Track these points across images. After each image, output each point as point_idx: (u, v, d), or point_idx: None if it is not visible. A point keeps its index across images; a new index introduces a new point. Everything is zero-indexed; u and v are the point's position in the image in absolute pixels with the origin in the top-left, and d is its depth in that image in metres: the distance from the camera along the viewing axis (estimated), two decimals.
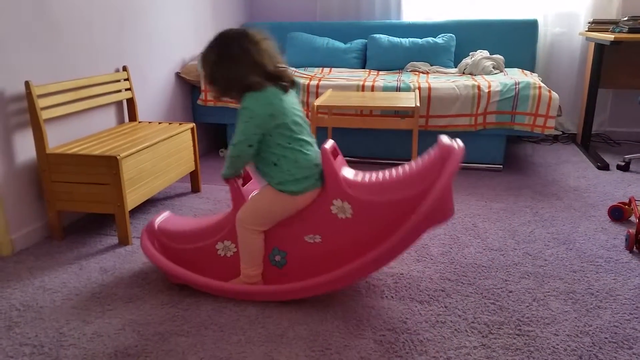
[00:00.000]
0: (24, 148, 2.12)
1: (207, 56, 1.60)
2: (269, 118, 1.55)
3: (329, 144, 1.64)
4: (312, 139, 1.66)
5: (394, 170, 1.64)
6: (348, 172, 1.66)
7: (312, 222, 1.64)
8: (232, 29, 1.62)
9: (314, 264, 1.65)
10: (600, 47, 3.39)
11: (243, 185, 1.73)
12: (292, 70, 1.60)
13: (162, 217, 1.90)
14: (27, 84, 2.03)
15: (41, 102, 2.09)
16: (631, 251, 2.02)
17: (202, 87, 3.31)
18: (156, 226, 1.84)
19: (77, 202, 2.13)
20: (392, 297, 1.71)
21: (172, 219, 1.91)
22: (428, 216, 1.48)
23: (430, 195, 1.47)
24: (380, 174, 1.65)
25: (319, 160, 1.63)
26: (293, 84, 1.64)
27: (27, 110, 2.08)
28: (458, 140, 1.54)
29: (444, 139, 1.56)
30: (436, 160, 1.53)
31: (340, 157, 1.68)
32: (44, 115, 2.10)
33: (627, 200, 2.39)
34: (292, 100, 1.63)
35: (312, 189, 1.61)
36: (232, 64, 1.55)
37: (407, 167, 1.62)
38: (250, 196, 1.71)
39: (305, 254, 1.66)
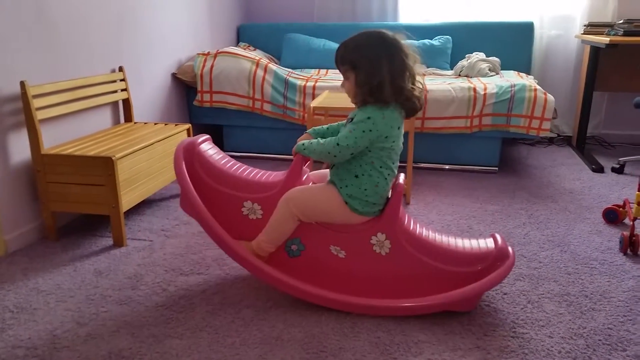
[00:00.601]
0: (19, 148, 2.11)
1: (361, 53, 1.54)
2: (382, 138, 1.54)
3: (402, 178, 1.64)
4: (396, 171, 1.64)
5: (447, 238, 1.67)
6: (404, 215, 1.67)
7: (346, 238, 1.64)
8: (389, 33, 1.56)
9: (323, 273, 1.65)
10: (595, 50, 3.40)
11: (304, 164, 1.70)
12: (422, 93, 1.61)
13: (204, 140, 1.79)
14: (22, 84, 2.03)
15: (36, 103, 2.08)
16: (625, 253, 2.02)
17: (199, 88, 3.30)
18: (196, 148, 1.74)
19: (72, 203, 2.12)
20: None
21: (212, 149, 1.80)
22: (454, 302, 1.54)
23: (469, 287, 1.52)
24: (433, 234, 1.67)
25: (391, 192, 1.63)
26: (416, 111, 1.61)
27: (22, 110, 2.07)
28: (510, 247, 1.60)
29: (499, 238, 1.62)
30: (489, 256, 1.58)
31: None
32: (39, 115, 2.09)
33: (621, 203, 2.39)
34: (402, 129, 1.62)
35: (372, 215, 1.62)
36: (386, 70, 1.51)
37: (460, 242, 1.66)
38: (307, 176, 1.71)
39: (321, 260, 1.65)
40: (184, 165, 1.68)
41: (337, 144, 1.54)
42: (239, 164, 1.83)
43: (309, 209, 1.61)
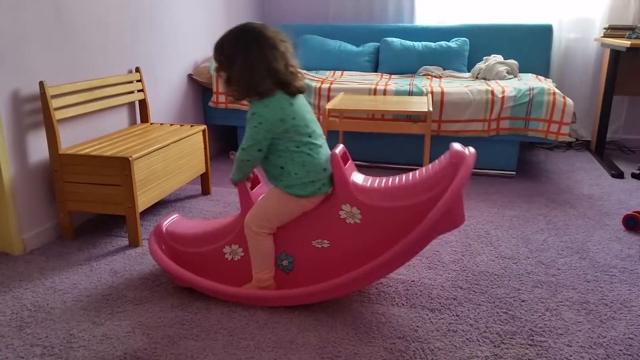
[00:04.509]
0: (37, 148, 2.13)
1: (224, 52, 1.57)
2: (279, 123, 1.55)
3: (339, 149, 1.63)
4: (322, 141, 1.65)
5: (404, 176, 1.63)
6: (358, 177, 1.65)
7: (320, 227, 1.64)
8: (252, 26, 1.57)
9: (321, 269, 1.64)
10: (615, 54, 3.35)
11: (252, 188, 1.73)
12: (303, 73, 1.60)
13: (170, 220, 1.89)
14: (41, 84, 2.05)
15: (55, 103, 2.10)
16: None
17: (214, 89, 3.31)
18: (164, 229, 1.84)
19: (89, 203, 2.14)
20: (402, 304, 1.70)
21: (180, 222, 1.90)
22: (438, 223, 1.47)
23: (441, 201, 1.46)
24: (391, 180, 1.64)
25: (329, 164, 1.62)
26: (301, 91, 1.62)
27: (41, 110, 2.09)
28: (470, 147, 1.53)
29: (456, 145, 1.55)
30: (448, 167, 1.52)
31: (350, 163, 1.67)
32: (58, 115, 2.11)
33: None
34: (302, 103, 1.63)
35: (319, 193, 1.61)
36: (249, 66, 1.53)
37: (417, 173, 1.61)
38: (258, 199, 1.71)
39: (313, 259, 1.65)
40: (159, 251, 1.79)
41: (242, 149, 1.59)
42: (207, 220, 1.92)
43: (265, 219, 1.63)
